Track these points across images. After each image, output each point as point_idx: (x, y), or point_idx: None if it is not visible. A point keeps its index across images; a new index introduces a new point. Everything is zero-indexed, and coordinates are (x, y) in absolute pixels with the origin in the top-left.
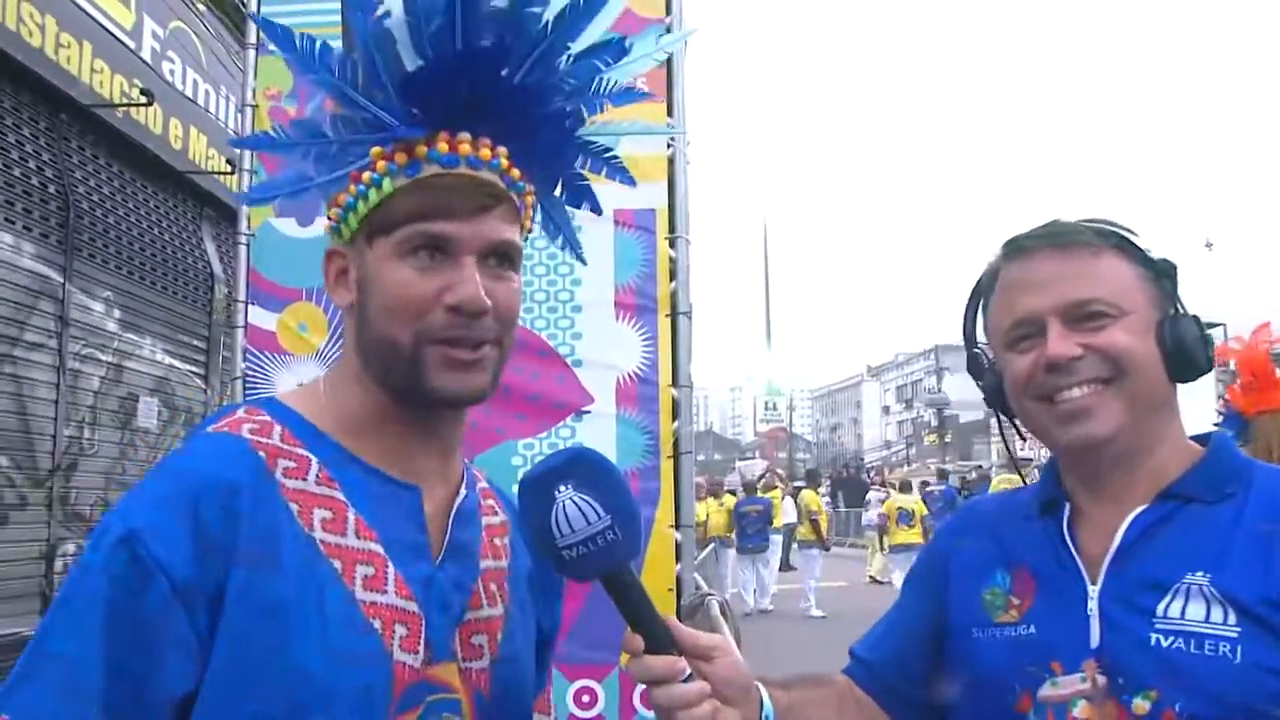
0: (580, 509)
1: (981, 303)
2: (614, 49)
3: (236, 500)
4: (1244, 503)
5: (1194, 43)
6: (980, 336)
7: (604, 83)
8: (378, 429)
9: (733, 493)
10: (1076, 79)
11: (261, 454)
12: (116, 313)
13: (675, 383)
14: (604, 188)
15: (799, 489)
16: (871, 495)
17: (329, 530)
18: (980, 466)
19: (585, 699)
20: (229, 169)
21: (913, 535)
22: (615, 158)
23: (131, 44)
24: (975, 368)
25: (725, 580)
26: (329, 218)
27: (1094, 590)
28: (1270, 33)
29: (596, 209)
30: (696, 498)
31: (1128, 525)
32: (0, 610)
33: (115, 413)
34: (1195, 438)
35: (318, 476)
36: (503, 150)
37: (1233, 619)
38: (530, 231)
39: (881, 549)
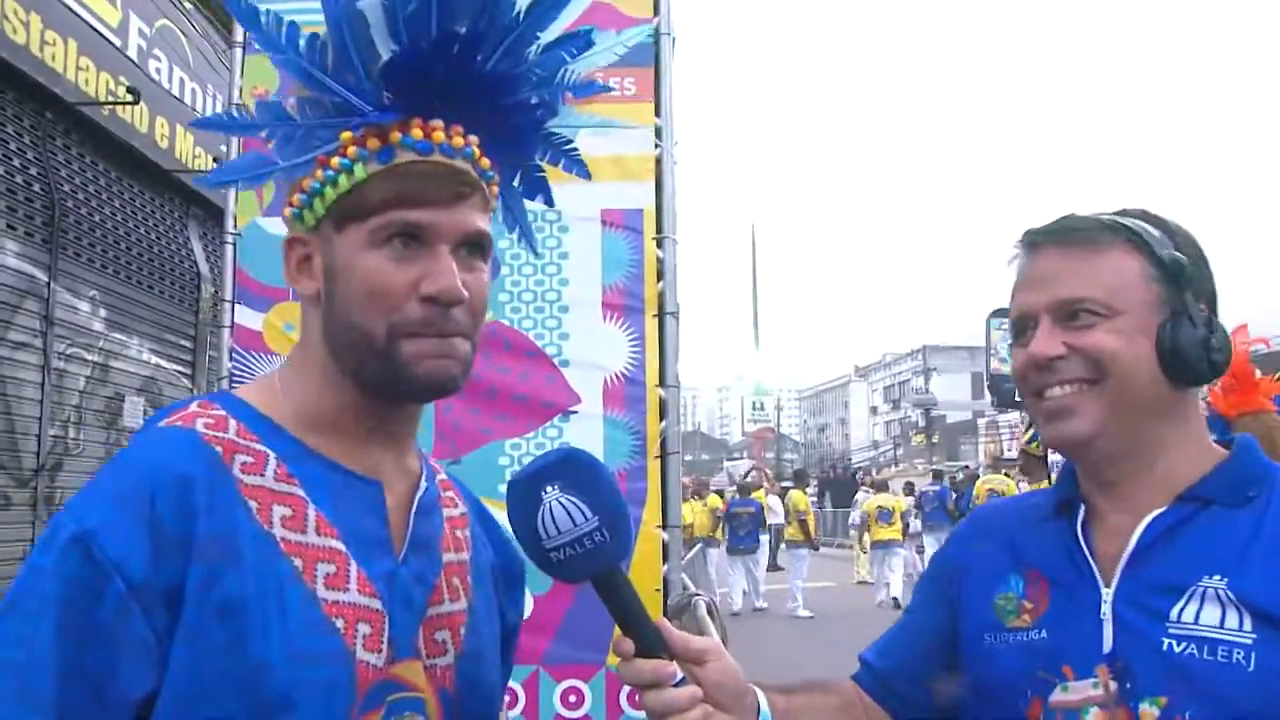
0: (567, 510)
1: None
2: (580, 41)
3: (193, 496)
4: (1266, 506)
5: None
6: None
7: (567, 74)
8: (338, 423)
9: (719, 493)
10: (1065, 80)
11: (217, 449)
12: (102, 312)
13: (662, 383)
14: (594, 188)
15: (786, 489)
16: (860, 496)
17: (289, 527)
18: (967, 467)
19: (572, 699)
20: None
21: (892, 532)
22: (574, 150)
23: (117, 42)
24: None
25: (712, 581)
26: (290, 203)
27: (1107, 593)
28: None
29: (549, 201)
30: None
31: (1144, 528)
32: None
33: (101, 412)
34: (1220, 441)
35: (276, 472)
36: (474, 139)
37: (1248, 625)
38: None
39: (862, 548)
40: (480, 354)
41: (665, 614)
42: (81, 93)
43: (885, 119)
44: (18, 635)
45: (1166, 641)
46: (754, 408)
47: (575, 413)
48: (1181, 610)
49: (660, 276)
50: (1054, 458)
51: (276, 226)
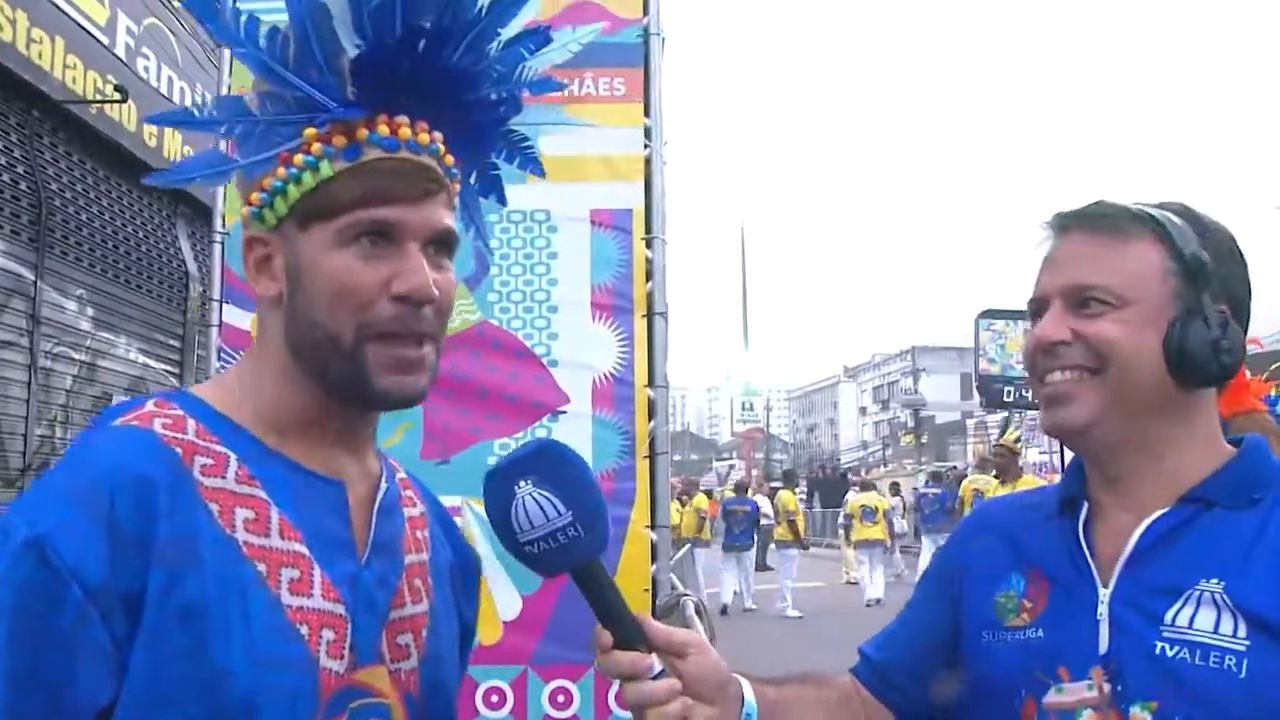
0: (540, 504)
1: None
2: (538, 37)
3: (154, 498)
4: (1271, 509)
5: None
6: None
7: (524, 70)
8: (300, 423)
9: (708, 493)
10: (1055, 80)
11: (177, 450)
12: (89, 311)
13: (651, 383)
14: (583, 188)
15: (776, 490)
16: (850, 496)
17: (251, 531)
18: (955, 467)
19: (560, 699)
20: None
21: (876, 531)
22: (531, 149)
23: (105, 40)
24: None
25: (700, 581)
26: (249, 202)
27: (1105, 594)
28: None
29: (502, 200)
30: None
31: (1145, 528)
32: None
33: (88, 412)
34: (1232, 440)
35: (237, 474)
36: (439, 136)
37: (1243, 631)
38: None
39: (849, 545)
40: (469, 354)
41: (653, 614)
42: (69, 91)
43: (875, 119)
44: None
45: (1159, 645)
46: (743, 408)
47: (564, 413)
48: (1176, 614)
49: (649, 277)
50: (1029, 459)
51: None
